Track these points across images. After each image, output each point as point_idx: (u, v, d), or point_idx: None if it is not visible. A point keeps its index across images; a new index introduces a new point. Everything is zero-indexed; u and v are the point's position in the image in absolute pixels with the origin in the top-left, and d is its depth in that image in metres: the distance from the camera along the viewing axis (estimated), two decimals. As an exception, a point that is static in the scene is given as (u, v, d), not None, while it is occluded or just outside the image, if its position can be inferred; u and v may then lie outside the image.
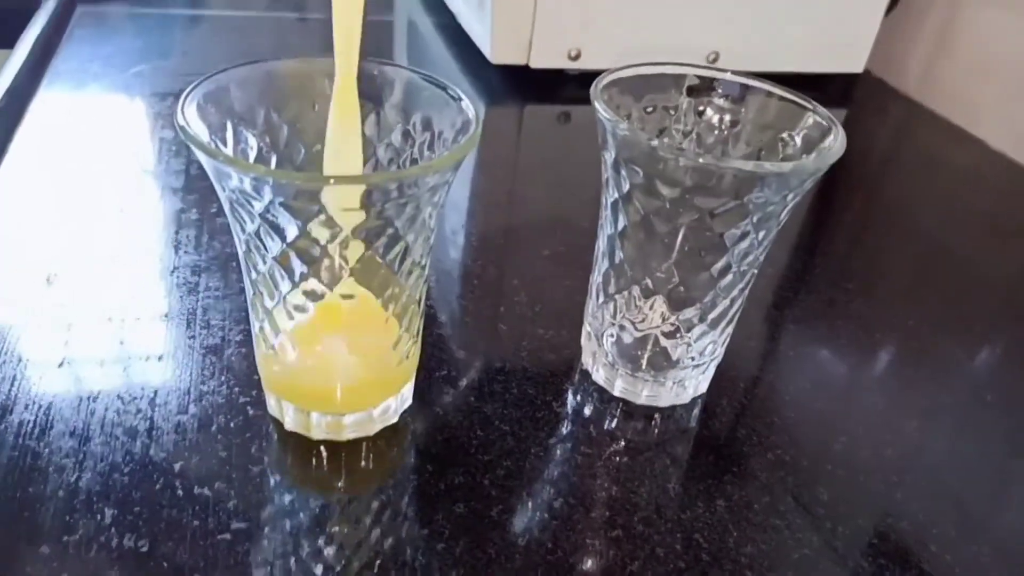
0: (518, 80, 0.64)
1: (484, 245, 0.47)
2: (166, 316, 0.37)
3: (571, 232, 0.47)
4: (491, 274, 0.44)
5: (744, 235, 0.30)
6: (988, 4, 0.68)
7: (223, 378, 0.34)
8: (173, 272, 0.40)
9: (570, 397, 0.36)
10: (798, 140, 0.32)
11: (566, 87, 0.65)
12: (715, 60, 0.66)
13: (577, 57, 0.64)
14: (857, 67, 0.72)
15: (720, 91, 0.34)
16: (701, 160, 0.27)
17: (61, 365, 0.34)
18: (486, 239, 0.48)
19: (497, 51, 0.63)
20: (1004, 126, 0.64)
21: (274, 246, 0.26)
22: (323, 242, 0.25)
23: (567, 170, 0.56)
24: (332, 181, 0.23)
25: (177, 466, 0.30)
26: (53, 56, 0.59)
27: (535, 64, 0.63)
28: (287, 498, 0.30)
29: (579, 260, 0.38)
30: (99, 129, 0.53)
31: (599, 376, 0.36)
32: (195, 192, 0.46)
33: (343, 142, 0.27)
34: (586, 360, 0.37)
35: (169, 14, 0.71)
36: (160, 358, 0.35)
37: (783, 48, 0.68)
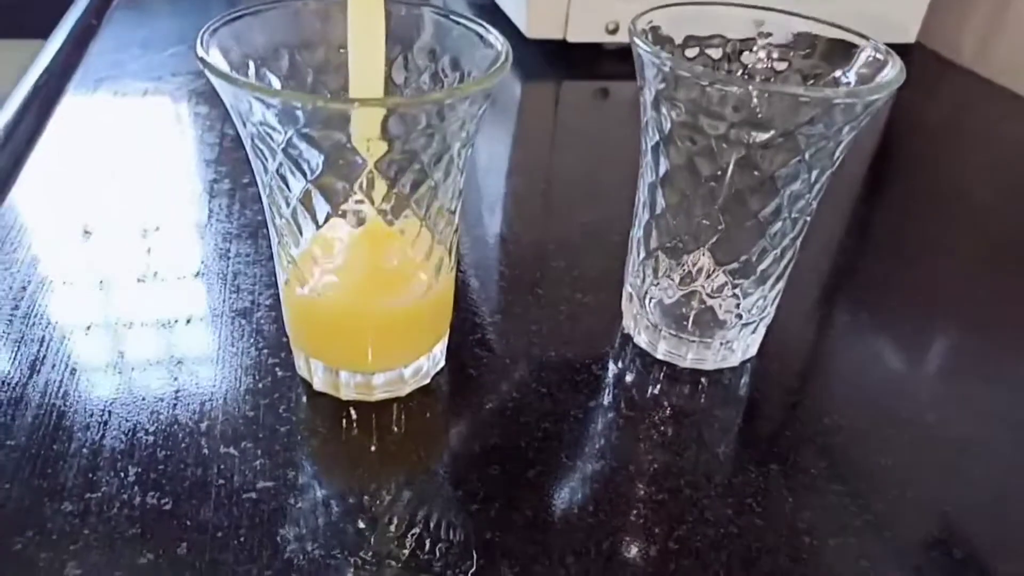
0: (555, 55, 0.62)
1: (521, 213, 0.46)
2: (197, 279, 0.36)
3: (610, 203, 0.45)
4: (528, 240, 0.42)
5: (795, 175, 0.28)
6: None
7: (252, 340, 0.33)
8: (204, 238, 0.39)
9: (611, 360, 0.34)
10: (851, 77, 0.30)
11: (604, 62, 0.63)
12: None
13: (615, 31, 0.62)
14: (909, 37, 0.69)
15: (766, 31, 0.32)
16: (751, 87, 0.25)
17: (89, 327, 0.33)
18: (523, 208, 0.46)
19: (533, 25, 0.61)
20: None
21: (297, 185, 0.25)
22: (346, 178, 0.24)
23: (605, 145, 0.54)
24: (357, 104, 0.22)
25: (203, 426, 0.29)
26: (93, 38, 0.60)
27: (572, 38, 0.62)
28: (316, 458, 0.28)
29: (618, 229, 0.36)
30: (136, 104, 0.53)
31: (641, 339, 0.34)
32: (227, 164, 0.45)
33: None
34: (627, 323, 0.35)
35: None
36: (189, 320, 0.34)
37: (831, 18, 0.65)
